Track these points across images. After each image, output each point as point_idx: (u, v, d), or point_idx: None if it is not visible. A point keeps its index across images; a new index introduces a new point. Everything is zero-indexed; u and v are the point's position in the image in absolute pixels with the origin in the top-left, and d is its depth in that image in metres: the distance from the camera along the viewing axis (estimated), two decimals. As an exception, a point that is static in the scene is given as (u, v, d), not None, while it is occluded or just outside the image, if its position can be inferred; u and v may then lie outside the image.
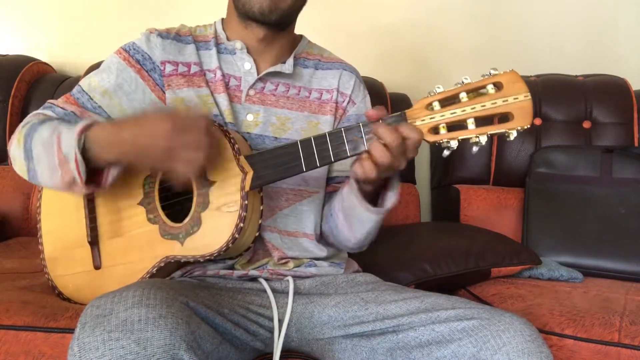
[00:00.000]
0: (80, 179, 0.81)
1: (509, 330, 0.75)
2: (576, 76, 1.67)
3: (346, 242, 1.00)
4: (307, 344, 0.90)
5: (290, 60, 1.00)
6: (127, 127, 0.80)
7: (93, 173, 0.83)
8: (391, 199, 0.90)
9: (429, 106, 0.79)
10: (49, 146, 0.83)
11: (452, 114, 0.78)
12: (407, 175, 1.67)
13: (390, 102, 1.63)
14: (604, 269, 1.35)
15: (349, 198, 0.92)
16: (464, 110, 0.78)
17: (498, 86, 0.77)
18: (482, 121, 0.78)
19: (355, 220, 0.93)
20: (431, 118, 0.79)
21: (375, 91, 1.60)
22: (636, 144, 1.54)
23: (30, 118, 0.93)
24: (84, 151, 0.80)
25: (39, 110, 0.96)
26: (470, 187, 1.61)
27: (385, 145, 0.79)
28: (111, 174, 0.84)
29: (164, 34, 0.98)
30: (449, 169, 1.66)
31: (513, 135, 0.77)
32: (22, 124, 0.92)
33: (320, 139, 0.83)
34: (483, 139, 0.77)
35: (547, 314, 1.01)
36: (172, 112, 0.78)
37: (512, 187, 1.59)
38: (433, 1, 1.87)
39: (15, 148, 0.90)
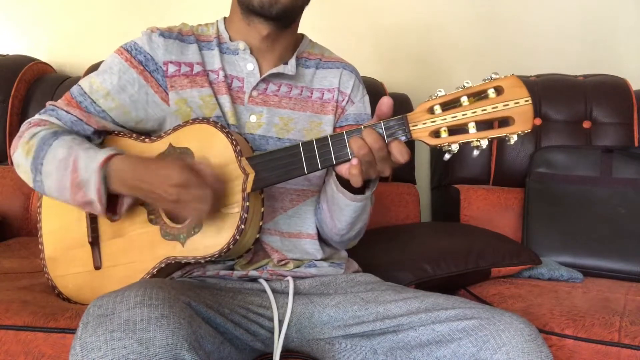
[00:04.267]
0: (102, 207, 0.85)
1: (509, 329, 0.76)
2: (576, 76, 1.67)
3: (329, 232, 1.00)
4: (307, 344, 0.91)
5: (293, 61, 1.00)
6: (144, 170, 0.84)
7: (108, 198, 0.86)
8: (369, 190, 0.91)
9: (431, 110, 0.79)
10: (63, 167, 0.86)
11: (453, 117, 0.78)
12: (407, 175, 1.67)
13: (390, 102, 1.63)
14: (604, 269, 1.35)
15: (329, 186, 0.93)
16: (465, 114, 0.78)
17: (499, 90, 0.77)
18: (483, 125, 0.78)
19: (335, 207, 0.94)
20: (432, 122, 0.79)
21: (376, 91, 1.60)
22: (636, 144, 1.54)
23: (38, 128, 0.92)
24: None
25: (43, 117, 0.95)
26: (470, 187, 1.61)
27: (367, 143, 0.80)
28: (125, 203, 0.88)
29: (166, 34, 0.97)
30: (449, 169, 1.66)
31: (514, 139, 0.78)
32: (28, 131, 0.92)
33: (322, 141, 0.83)
34: (484, 143, 0.78)
35: (547, 314, 1.01)
36: (185, 165, 0.82)
37: (512, 187, 1.59)
38: (434, 2, 1.87)
39: (21, 156, 0.91)
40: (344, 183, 0.89)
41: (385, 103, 0.81)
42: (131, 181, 0.84)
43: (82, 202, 0.85)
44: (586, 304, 1.07)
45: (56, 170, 0.87)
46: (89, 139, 0.96)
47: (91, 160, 0.84)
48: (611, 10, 1.85)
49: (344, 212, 0.93)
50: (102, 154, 0.85)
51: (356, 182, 0.82)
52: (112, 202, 0.87)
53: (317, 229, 1.01)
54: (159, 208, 0.90)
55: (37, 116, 0.96)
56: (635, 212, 1.39)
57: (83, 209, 0.88)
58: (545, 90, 1.61)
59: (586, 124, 1.58)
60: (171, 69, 0.95)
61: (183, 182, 0.79)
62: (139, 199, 0.88)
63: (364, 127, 0.81)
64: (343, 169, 0.85)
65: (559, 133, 1.58)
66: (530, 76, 1.67)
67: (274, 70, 0.98)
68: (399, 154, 0.80)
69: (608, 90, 1.60)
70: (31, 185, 0.91)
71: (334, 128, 1.03)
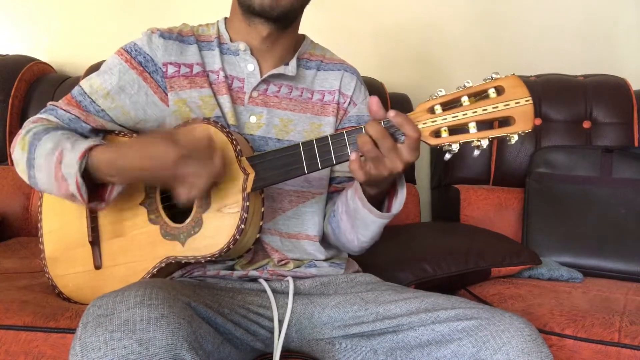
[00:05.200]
0: (82, 198, 0.82)
1: (509, 330, 0.76)
2: (576, 76, 1.67)
3: (348, 243, 0.99)
4: (307, 344, 0.91)
5: (294, 62, 1.00)
6: (132, 152, 0.81)
7: (96, 187, 0.85)
8: (397, 205, 0.90)
9: (431, 109, 0.79)
10: (49, 159, 0.85)
11: (453, 117, 0.78)
12: (407, 175, 1.67)
13: (390, 102, 1.63)
14: (604, 269, 1.35)
15: (353, 201, 0.92)
16: (465, 114, 0.78)
17: (499, 90, 0.77)
18: (483, 125, 0.78)
19: (359, 222, 0.93)
20: (433, 121, 0.79)
21: (376, 91, 1.60)
22: (636, 144, 1.54)
23: (33, 124, 0.92)
24: (87, 171, 0.82)
25: (42, 115, 0.95)
26: (470, 187, 1.61)
27: (370, 136, 0.79)
28: (115, 191, 0.86)
29: (166, 34, 0.97)
30: (449, 169, 1.66)
31: (514, 139, 0.77)
32: (25, 128, 0.92)
33: (322, 141, 0.83)
34: (484, 143, 0.78)
35: (547, 314, 1.01)
36: (177, 137, 0.78)
37: (512, 187, 1.59)
38: (434, 2, 1.87)
39: (18, 153, 0.91)
40: (369, 197, 0.89)
41: (374, 102, 0.81)
42: (118, 168, 0.82)
43: (66, 194, 0.84)
44: (586, 304, 1.07)
45: (45, 164, 0.86)
46: (86, 137, 0.95)
47: (74, 151, 0.83)
48: (611, 10, 1.85)
49: (369, 227, 0.93)
50: (83, 145, 0.83)
51: (359, 177, 0.82)
52: (100, 191, 0.85)
53: (319, 232, 1.01)
54: (157, 205, 0.90)
55: (37, 115, 0.96)
56: (635, 212, 1.39)
57: (73, 201, 0.85)
58: (545, 90, 1.61)
59: (586, 124, 1.58)
60: (170, 70, 0.95)
61: (178, 154, 0.76)
62: (132, 183, 0.86)
63: (364, 127, 0.81)
64: (351, 166, 0.83)
65: (559, 133, 1.58)
66: (530, 76, 1.67)
67: (275, 71, 0.98)
68: (409, 129, 0.78)
69: (608, 90, 1.60)
70: (27, 181, 0.90)
71: (336, 130, 1.03)
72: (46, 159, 0.85)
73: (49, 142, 0.86)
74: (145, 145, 0.80)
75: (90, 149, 0.82)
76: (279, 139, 0.98)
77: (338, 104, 1.03)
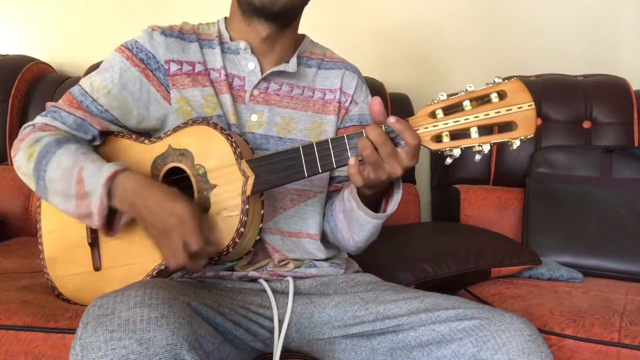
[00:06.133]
0: (100, 221, 0.84)
1: (509, 330, 0.76)
2: (576, 76, 1.67)
3: (344, 242, 0.99)
4: (307, 344, 0.91)
5: (294, 59, 1.00)
6: (148, 191, 0.82)
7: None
8: (392, 205, 0.90)
9: (432, 114, 0.79)
10: (68, 176, 0.85)
11: (455, 122, 0.78)
12: (407, 176, 1.67)
13: (390, 102, 1.63)
14: (605, 269, 1.36)
15: (349, 201, 0.92)
16: (467, 119, 0.77)
17: (502, 95, 0.77)
18: (485, 130, 0.77)
19: (355, 222, 0.93)
20: (434, 126, 0.78)
21: (376, 91, 1.61)
22: (636, 144, 1.54)
23: (42, 133, 0.91)
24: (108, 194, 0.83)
25: (46, 120, 0.94)
26: (470, 187, 1.61)
27: (370, 140, 0.79)
28: (123, 220, 0.87)
29: (167, 32, 0.97)
30: (449, 169, 1.66)
31: (516, 144, 0.77)
32: (30, 135, 0.91)
33: (322, 145, 0.83)
34: (486, 148, 0.77)
35: (547, 314, 1.01)
36: (192, 206, 0.80)
37: (512, 187, 1.59)
38: (433, 2, 1.87)
39: (22, 160, 0.90)
40: (365, 197, 0.89)
41: (376, 104, 0.80)
42: (133, 199, 0.83)
43: (83, 213, 0.84)
44: (586, 304, 1.07)
45: (60, 179, 0.86)
46: (93, 140, 0.95)
47: (97, 172, 0.83)
48: (611, 10, 1.85)
49: (364, 227, 0.93)
50: (108, 168, 0.84)
51: (357, 182, 0.82)
52: (110, 218, 0.86)
53: (320, 231, 1.01)
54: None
55: (39, 118, 0.95)
56: (636, 212, 1.39)
57: (82, 220, 0.87)
58: (545, 90, 1.61)
59: (586, 124, 1.58)
60: (173, 67, 0.95)
61: (183, 218, 0.78)
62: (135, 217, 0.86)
63: (365, 130, 0.81)
64: (350, 170, 0.83)
65: (559, 133, 1.58)
66: (530, 76, 1.67)
67: (275, 69, 0.98)
68: (409, 136, 0.77)
69: (608, 90, 1.60)
70: (33, 189, 0.91)
71: (338, 129, 1.03)
72: (62, 174, 0.86)
73: (64, 158, 0.86)
74: (166, 193, 0.82)
75: (116, 173, 0.83)
76: (280, 137, 0.98)
77: (339, 102, 1.03)
